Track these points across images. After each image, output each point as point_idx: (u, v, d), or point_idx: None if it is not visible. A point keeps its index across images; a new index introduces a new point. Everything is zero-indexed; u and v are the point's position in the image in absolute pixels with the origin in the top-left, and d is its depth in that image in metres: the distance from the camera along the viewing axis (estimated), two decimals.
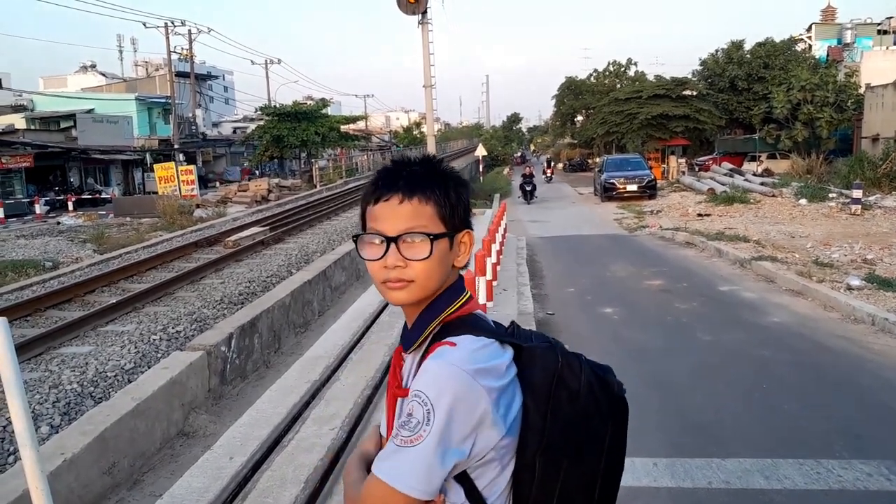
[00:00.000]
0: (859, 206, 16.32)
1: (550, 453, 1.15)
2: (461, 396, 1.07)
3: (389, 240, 1.16)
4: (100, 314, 8.37)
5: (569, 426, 1.16)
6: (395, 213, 1.17)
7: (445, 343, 1.14)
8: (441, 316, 1.20)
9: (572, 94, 48.99)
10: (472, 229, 1.26)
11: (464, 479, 1.13)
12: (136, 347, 7.16)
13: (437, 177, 1.22)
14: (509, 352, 1.18)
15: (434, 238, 1.16)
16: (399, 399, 1.20)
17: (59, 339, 7.43)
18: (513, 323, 1.29)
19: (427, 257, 1.16)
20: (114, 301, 8.98)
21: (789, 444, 4.62)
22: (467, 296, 1.24)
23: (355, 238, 1.23)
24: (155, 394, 5.19)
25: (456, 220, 1.21)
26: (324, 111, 40.53)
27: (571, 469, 1.17)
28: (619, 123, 37.09)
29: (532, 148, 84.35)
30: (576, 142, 51.91)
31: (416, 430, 1.06)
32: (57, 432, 4.99)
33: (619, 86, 45.03)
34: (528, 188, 27.20)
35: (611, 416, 1.23)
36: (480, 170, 40.31)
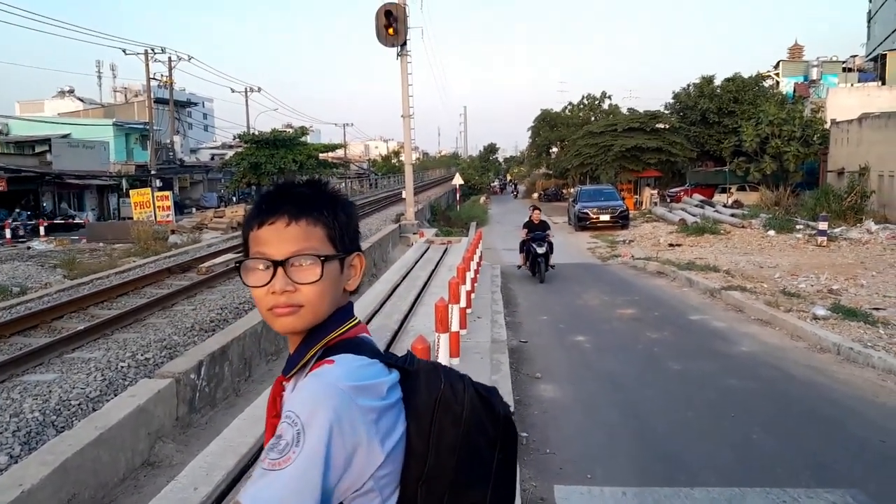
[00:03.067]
0: (825, 238, 16.70)
1: (433, 482, 1.06)
2: (336, 415, 0.97)
3: (277, 264, 1.10)
4: (66, 341, 8.21)
5: (452, 452, 1.07)
6: (282, 236, 1.11)
7: (324, 362, 1.06)
8: (325, 339, 1.13)
9: (547, 125, 49.74)
10: (362, 252, 1.22)
11: None
12: (102, 375, 7.02)
13: (325, 198, 1.17)
14: (394, 374, 1.10)
15: (325, 259, 1.11)
16: None
17: (23, 367, 7.27)
18: (409, 352, 1.21)
19: (318, 280, 1.10)
20: (82, 327, 8.82)
21: (756, 472, 4.68)
22: (355, 321, 1.18)
23: (238, 265, 1.15)
24: (120, 422, 5.09)
25: (346, 242, 1.17)
26: (303, 139, 40.55)
27: (455, 500, 1.08)
28: (594, 155, 37.65)
29: (509, 178, 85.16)
30: (551, 172, 52.54)
31: (284, 452, 0.95)
32: (16, 462, 4.86)
33: (593, 118, 45.84)
34: (541, 251, 13.70)
35: (498, 440, 1.13)
36: (458, 198, 40.64)
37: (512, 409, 5.65)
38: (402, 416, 1.07)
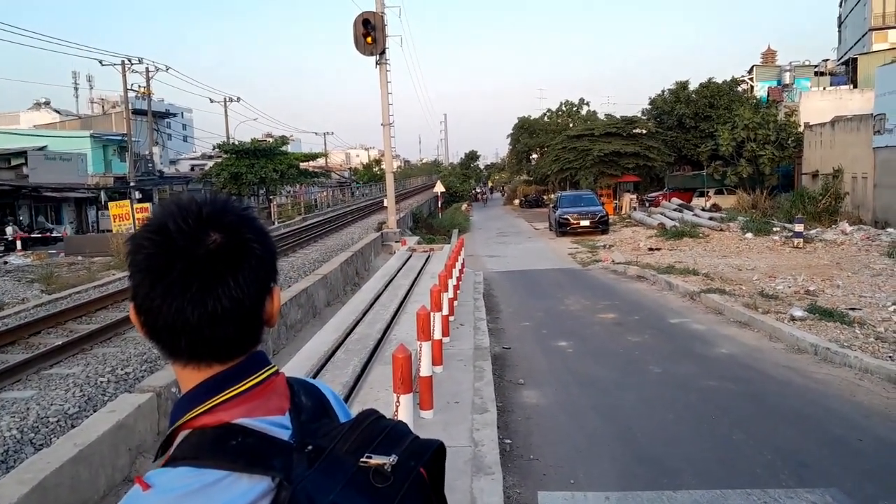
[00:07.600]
0: (801, 240, 16.94)
1: None
2: None
3: None
4: (44, 356, 8.10)
5: None
6: None
7: (138, 482, 0.79)
8: (180, 420, 0.86)
9: (526, 132, 50.03)
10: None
11: None
12: (81, 391, 6.94)
13: None
14: (256, 487, 0.80)
15: None
16: None
17: (0, 384, 7.16)
18: (338, 433, 0.88)
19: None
20: (60, 343, 8.71)
21: (737, 474, 4.72)
22: (230, 393, 0.86)
23: None
24: (100, 438, 5.03)
25: None
26: (283, 148, 40.42)
27: None
28: (573, 161, 37.93)
29: (490, 184, 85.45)
30: (531, 179, 52.83)
31: None
32: None
33: (571, 125, 46.16)
34: None
35: None
36: (439, 206, 40.71)
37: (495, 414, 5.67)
38: None
